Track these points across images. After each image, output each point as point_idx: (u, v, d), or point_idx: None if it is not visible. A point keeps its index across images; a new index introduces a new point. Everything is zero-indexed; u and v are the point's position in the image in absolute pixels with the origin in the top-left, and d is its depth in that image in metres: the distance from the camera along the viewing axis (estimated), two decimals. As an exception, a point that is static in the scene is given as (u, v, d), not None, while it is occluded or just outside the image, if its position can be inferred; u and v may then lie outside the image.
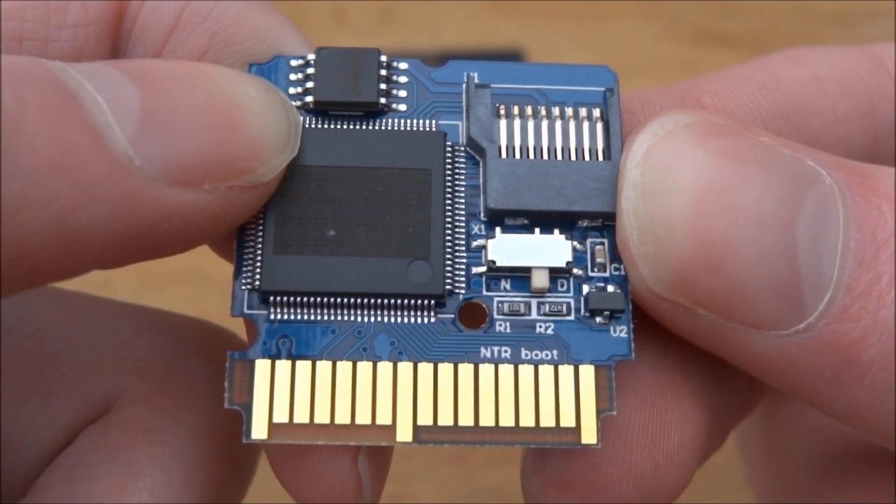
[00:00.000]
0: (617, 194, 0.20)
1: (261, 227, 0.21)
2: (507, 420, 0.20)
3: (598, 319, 0.21)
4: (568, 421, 0.20)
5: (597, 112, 0.22)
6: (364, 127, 0.21)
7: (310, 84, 0.22)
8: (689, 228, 0.19)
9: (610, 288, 0.21)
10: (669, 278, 0.20)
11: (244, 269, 0.21)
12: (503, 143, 0.21)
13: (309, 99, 0.22)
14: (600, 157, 0.21)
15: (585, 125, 0.22)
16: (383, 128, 0.21)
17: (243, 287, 0.20)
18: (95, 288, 0.40)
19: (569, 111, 0.22)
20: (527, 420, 0.20)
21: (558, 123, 0.22)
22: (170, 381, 0.23)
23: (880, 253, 0.19)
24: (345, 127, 0.21)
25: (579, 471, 0.21)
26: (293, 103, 0.21)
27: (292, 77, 0.22)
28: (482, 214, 0.21)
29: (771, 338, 0.20)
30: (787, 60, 0.24)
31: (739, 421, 0.25)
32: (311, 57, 0.22)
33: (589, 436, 0.20)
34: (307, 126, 0.21)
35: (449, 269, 0.21)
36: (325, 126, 0.21)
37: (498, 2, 0.52)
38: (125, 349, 0.23)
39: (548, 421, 0.20)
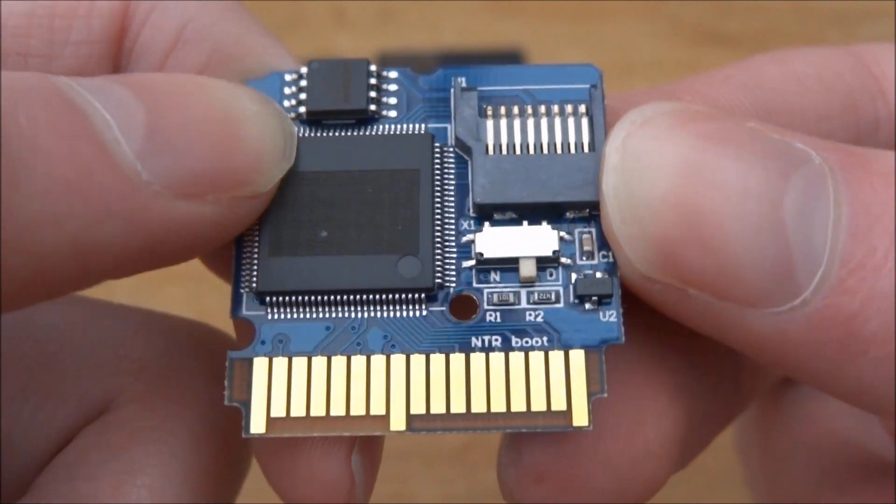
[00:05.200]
0: (598, 182, 0.21)
1: (257, 232, 0.21)
2: (498, 406, 0.20)
3: (587, 305, 0.21)
4: (559, 404, 0.20)
5: (582, 108, 0.22)
6: (359, 133, 0.22)
7: (303, 96, 0.22)
8: (671, 206, 0.19)
9: (598, 274, 0.21)
10: (655, 258, 0.20)
11: (242, 272, 0.21)
12: (490, 141, 0.22)
13: (302, 110, 0.22)
14: (585, 150, 0.22)
15: (571, 121, 0.22)
16: (370, 134, 0.22)
17: (242, 290, 0.21)
18: (94, 289, 0.40)
19: (555, 108, 0.22)
20: (518, 405, 0.20)
21: (544, 120, 0.22)
22: (166, 381, 0.23)
23: (874, 226, 0.19)
24: (341, 135, 0.22)
25: (554, 463, 0.21)
26: (288, 115, 0.22)
27: (286, 91, 0.23)
28: (471, 211, 0.22)
29: (767, 316, 0.19)
30: (768, 61, 0.24)
31: (725, 424, 0.25)
32: (304, 70, 0.23)
33: (580, 418, 0.20)
34: (300, 135, 0.22)
35: (439, 263, 0.21)
36: (318, 134, 0.22)
37: (498, 2, 0.52)
38: (123, 350, 0.24)
39: (539, 405, 0.20)
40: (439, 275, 0.21)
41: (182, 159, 0.19)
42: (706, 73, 0.24)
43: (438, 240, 0.21)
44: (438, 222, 0.21)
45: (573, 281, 0.21)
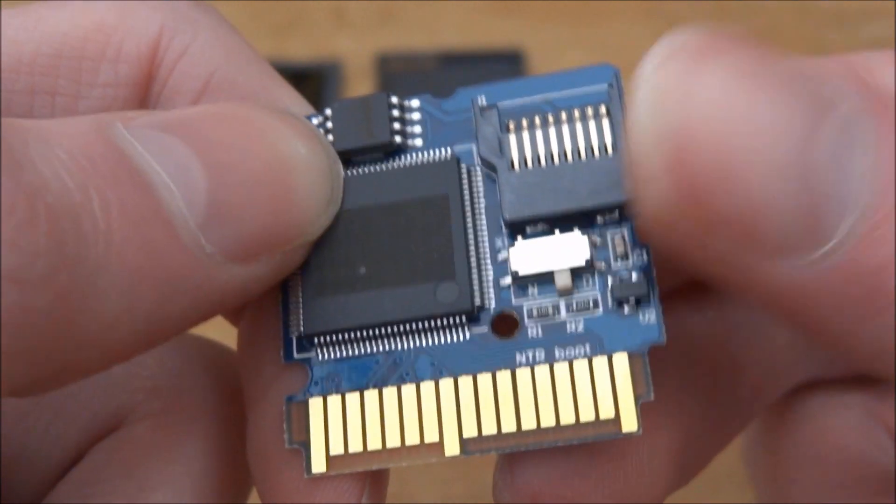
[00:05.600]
0: (625, 118, 0.20)
1: (298, 277, 0.22)
2: (547, 420, 0.20)
3: (625, 309, 0.21)
4: (607, 413, 0.20)
5: (603, 109, 0.22)
6: (386, 167, 0.23)
7: (330, 137, 0.23)
8: (700, 142, 0.18)
9: (633, 276, 0.21)
10: (680, 195, 0.18)
11: (289, 316, 0.22)
12: (515, 156, 0.22)
13: None
14: (609, 151, 0.21)
15: (592, 124, 0.22)
16: (397, 166, 0.22)
17: (291, 335, 0.22)
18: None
19: (576, 113, 0.22)
20: (567, 418, 0.20)
21: (566, 128, 0.22)
22: (179, 399, 0.24)
23: None
24: (369, 171, 0.22)
25: (548, 484, 0.21)
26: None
27: None
28: (503, 228, 0.22)
29: (790, 266, 0.18)
30: None
31: (725, 442, 0.25)
32: (328, 112, 0.23)
33: (629, 424, 0.20)
34: None
35: (476, 284, 0.21)
36: (349, 173, 0.22)
37: (498, 2, 0.52)
38: (134, 368, 0.24)
39: (587, 415, 0.20)
40: (478, 296, 0.21)
41: (240, 225, 0.20)
42: None
43: (474, 261, 0.21)
44: (472, 244, 0.22)
45: (609, 286, 0.21)
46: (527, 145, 0.22)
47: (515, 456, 0.21)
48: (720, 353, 0.24)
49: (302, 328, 0.21)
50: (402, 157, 0.23)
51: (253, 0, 0.52)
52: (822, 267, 0.18)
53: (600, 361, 0.20)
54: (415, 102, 0.23)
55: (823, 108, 0.18)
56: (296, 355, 0.22)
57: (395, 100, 0.23)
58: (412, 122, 0.23)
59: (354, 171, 0.22)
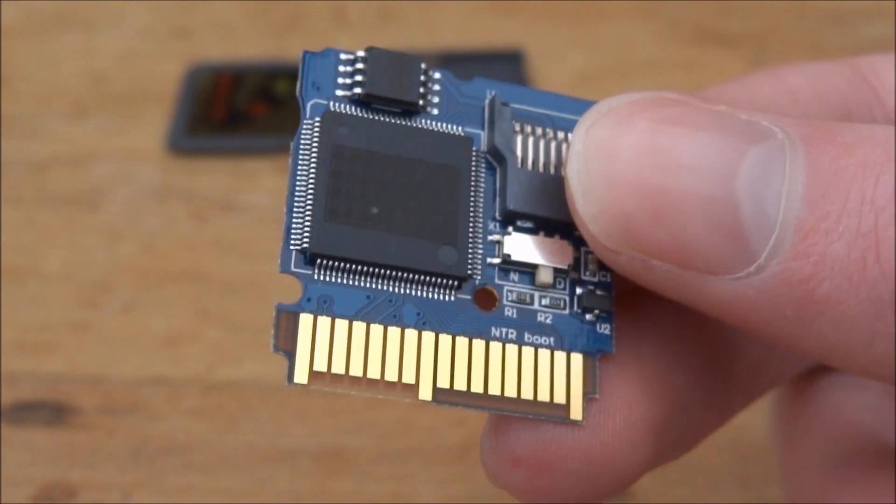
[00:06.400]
0: (563, 168, 0.22)
1: (311, 197, 0.23)
2: (510, 391, 0.23)
3: (587, 316, 0.24)
4: (560, 399, 0.23)
5: None
6: (406, 123, 0.24)
7: (359, 77, 0.24)
8: (628, 185, 0.21)
9: (599, 291, 0.24)
10: (616, 233, 0.21)
11: (294, 231, 0.23)
12: (519, 155, 0.24)
13: (357, 90, 0.24)
14: None
15: None
16: (418, 126, 0.24)
17: (292, 247, 0.23)
18: (95, 288, 0.40)
19: (569, 137, 0.24)
20: (526, 393, 0.23)
21: (563, 145, 0.25)
22: None
23: (828, 193, 0.19)
24: (391, 121, 0.24)
25: (528, 448, 0.23)
26: (340, 92, 0.24)
27: (341, 69, 0.24)
28: (498, 214, 0.24)
29: (727, 282, 0.20)
30: (763, 78, 0.25)
31: (719, 420, 0.26)
32: (361, 53, 0.24)
33: (576, 413, 0.23)
34: (358, 114, 0.24)
35: (470, 256, 0.23)
36: (369, 116, 0.24)
37: (498, 2, 0.52)
38: None
39: (543, 396, 0.23)
40: (470, 267, 0.23)
41: None
42: (703, 90, 0.24)
43: (471, 235, 0.23)
44: (472, 219, 0.24)
45: (579, 294, 0.24)
46: (530, 149, 0.24)
47: (500, 422, 0.23)
48: (712, 328, 0.25)
49: (308, 245, 0.22)
50: (417, 119, 0.24)
51: (253, 0, 0.52)
52: (754, 282, 0.20)
53: (560, 356, 0.23)
54: (437, 75, 0.25)
55: (749, 141, 0.21)
56: (293, 268, 0.22)
57: (424, 66, 0.24)
58: (433, 92, 0.25)
59: (377, 117, 0.24)
